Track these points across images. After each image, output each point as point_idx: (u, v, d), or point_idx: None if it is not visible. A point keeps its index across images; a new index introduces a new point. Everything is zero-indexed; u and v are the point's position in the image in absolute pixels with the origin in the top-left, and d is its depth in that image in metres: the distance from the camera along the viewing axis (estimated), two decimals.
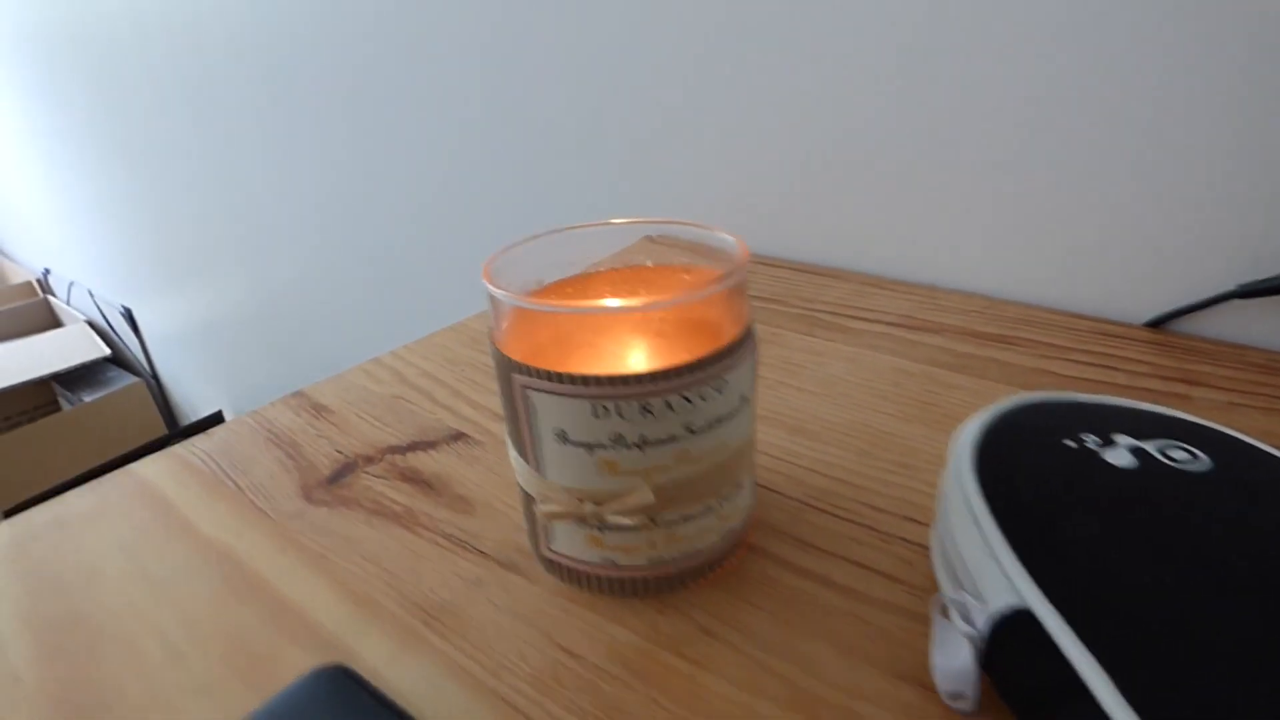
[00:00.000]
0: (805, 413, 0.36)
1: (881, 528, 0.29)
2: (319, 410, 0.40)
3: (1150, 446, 0.24)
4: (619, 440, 0.23)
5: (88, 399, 1.89)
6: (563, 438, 0.24)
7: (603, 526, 0.25)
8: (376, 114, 0.87)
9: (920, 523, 0.29)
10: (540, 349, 0.24)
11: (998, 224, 0.46)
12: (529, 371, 0.23)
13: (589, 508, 0.24)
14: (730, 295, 0.24)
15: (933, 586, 0.26)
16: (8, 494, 1.57)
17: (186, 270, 1.55)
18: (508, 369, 0.24)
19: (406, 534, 0.30)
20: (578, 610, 0.26)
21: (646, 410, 0.23)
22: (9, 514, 1.41)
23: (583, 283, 0.29)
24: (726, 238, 0.26)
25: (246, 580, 0.28)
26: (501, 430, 0.37)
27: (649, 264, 0.30)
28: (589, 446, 0.24)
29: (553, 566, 0.27)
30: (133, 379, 1.98)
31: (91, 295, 2.18)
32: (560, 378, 0.23)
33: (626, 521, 0.24)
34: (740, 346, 0.24)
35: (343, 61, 0.87)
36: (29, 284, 2.58)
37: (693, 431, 0.24)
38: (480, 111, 0.75)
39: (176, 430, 1.65)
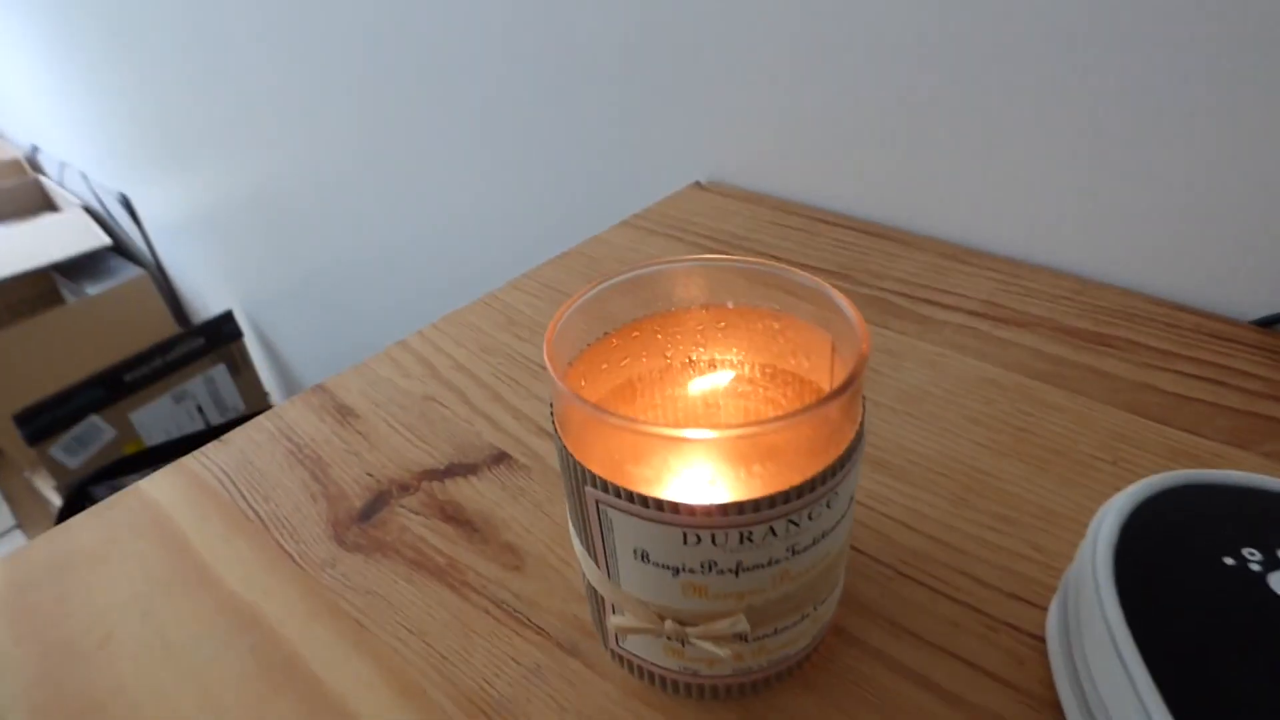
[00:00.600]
0: (889, 440, 0.32)
1: (985, 609, 0.26)
2: (344, 414, 0.37)
3: None
4: (711, 566, 0.20)
5: (91, 291, 1.85)
6: (644, 558, 0.20)
7: (685, 642, 0.22)
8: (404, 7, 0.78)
9: (1030, 603, 0.26)
10: (613, 463, 0.20)
11: (1095, 194, 0.41)
12: (606, 487, 0.19)
13: (670, 626, 0.21)
14: (848, 403, 0.20)
15: (1049, 694, 0.23)
16: (15, 395, 1.55)
17: (188, 157, 1.46)
18: (579, 478, 0.20)
19: (453, 597, 0.27)
20: (651, 715, 0.23)
21: (747, 539, 0.19)
22: (19, 419, 1.40)
23: (656, 329, 0.24)
24: (844, 305, 0.22)
25: (279, 656, 0.26)
26: (548, 450, 0.34)
27: (730, 305, 0.25)
28: (674, 570, 0.20)
29: (622, 661, 0.24)
30: (137, 270, 1.93)
31: (86, 179, 2.09)
32: (645, 501, 0.19)
33: (716, 651, 0.21)
34: (854, 452, 0.20)
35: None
36: (16, 161, 2.46)
37: (796, 553, 0.20)
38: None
39: (190, 328, 1.61)
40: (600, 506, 0.20)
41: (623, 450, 0.20)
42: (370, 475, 0.33)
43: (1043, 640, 0.25)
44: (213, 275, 1.75)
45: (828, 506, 0.20)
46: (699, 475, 0.20)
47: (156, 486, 0.33)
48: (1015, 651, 0.24)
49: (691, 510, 0.19)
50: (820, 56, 0.48)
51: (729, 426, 0.18)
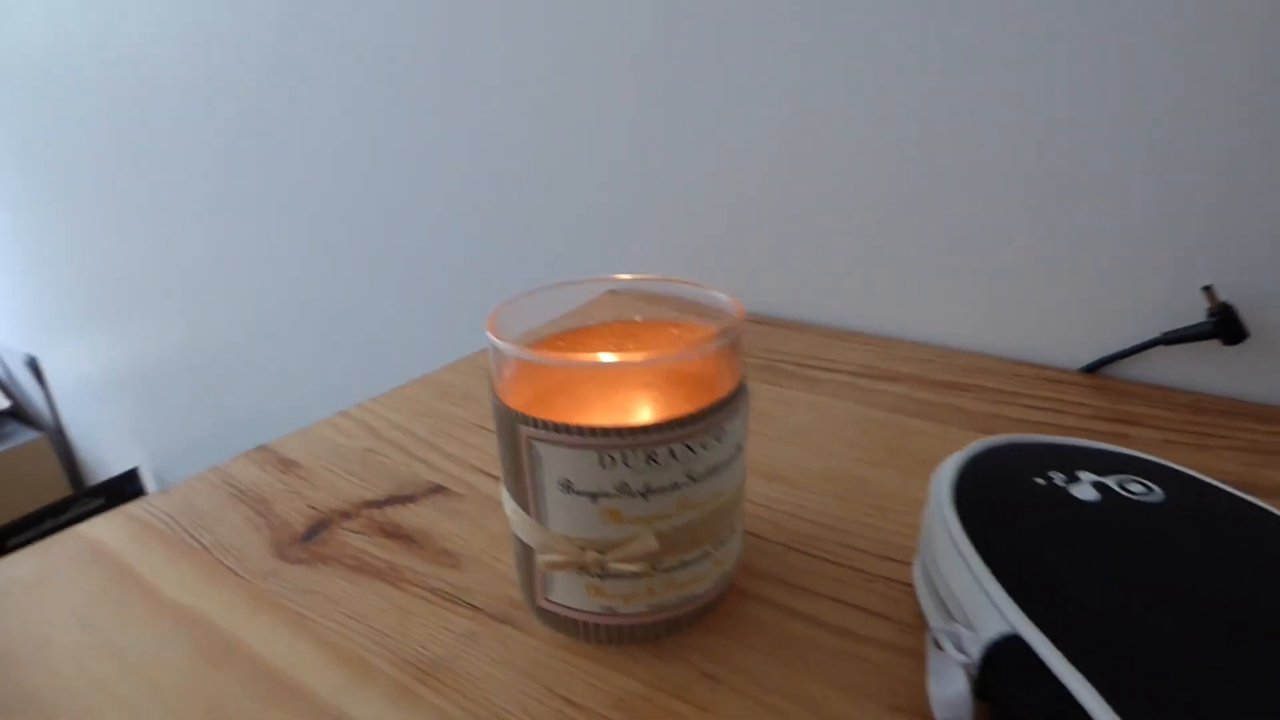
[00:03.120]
0: (780, 461, 0.37)
1: (864, 567, 0.30)
2: (286, 465, 0.39)
3: (1110, 481, 0.26)
4: (624, 489, 0.24)
5: None
6: (567, 487, 0.24)
7: (604, 574, 0.25)
8: (320, 151, 0.87)
9: (900, 561, 0.30)
10: (543, 400, 0.25)
11: (947, 281, 0.49)
12: (536, 423, 0.24)
13: (591, 556, 0.25)
14: (729, 350, 0.25)
15: (919, 622, 0.27)
16: None
17: (103, 317, 1.47)
18: (512, 420, 0.24)
19: (391, 590, 0.30)
20: (577, 660, 0.26)
21: (652, 459, 0.24)
22: None
23: (577, 337, 0.29)
24: (719, 296, 0.28)
25: (222, 644, 0.27)
26: (483, 482, 0.37)
27: (639, 319, 0.31)
28: (593, 495, 0.24)
29: (549, 618, 0.27)
30: (34, 433, 1.85)
31: None
32: (569, 429, 0.23)
33: (630, 569, 0.24)
34: (737, 398, 0.25)
35: (279, 95, 0.86)
36: None
37: (694, 479, 0.24)
38: (437, 156, 0.76)
39: (84, 489, 1.54)
40: (530, 443, 0.24)
41: (548, 391, 0.24)
42: (312, 508, 0.35)
43: (911, 586, 0.29)
44: (118, 434, 1.70)
45: (717, 441, 0.25)
46: (611, 406, 0.24)
47: (94, 528, 0.35)
48: (889, 594, 0.28)
49: (605, 431, 0.23)
50: (713, 185, 0.57)
51: (630, 355, 0.23)
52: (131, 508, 0.36)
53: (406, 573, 0.31)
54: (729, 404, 0.25)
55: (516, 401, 0.25)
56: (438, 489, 0.36)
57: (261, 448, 0.41)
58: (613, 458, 0.23)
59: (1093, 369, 0.45)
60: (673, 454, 0.24)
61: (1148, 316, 0.43)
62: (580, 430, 0.23)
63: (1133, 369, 0.44)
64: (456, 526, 0.33)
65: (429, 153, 0.75)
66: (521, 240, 0.72)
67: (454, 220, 0.77)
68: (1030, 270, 0.46)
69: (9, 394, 2.02)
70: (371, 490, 0.37)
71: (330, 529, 0.34)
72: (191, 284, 1.19)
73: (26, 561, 0.32)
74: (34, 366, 1.89)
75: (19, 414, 2.03)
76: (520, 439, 0.24)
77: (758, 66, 0.52)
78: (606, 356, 0.23)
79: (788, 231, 0.55)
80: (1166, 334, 0.41)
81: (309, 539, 0.33)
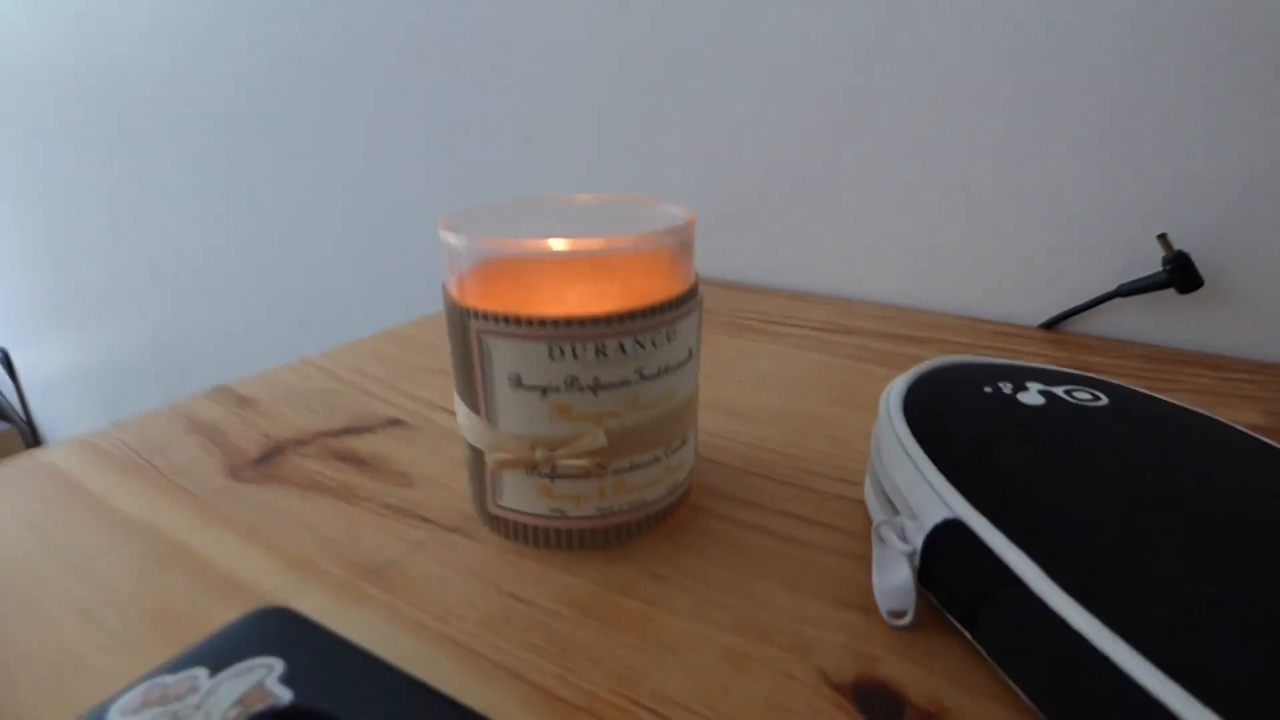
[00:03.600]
0: (740, 401, 0.38)
1: (818, 488, 0.30)
2: (243, 402, 0.39)
3: (1058, 390, 0.26)
4: (573, 383, 0.24)
5: None
6: (516, 382, 0.24)
7: (554, 474, 0.25)
8: (285, 135, 0.86)
9: (854, 483, 0.30)
10: (496, 297, 0.25)
11: (905, 242, 0.50)
12: (486, 317, 0.24)
13: (541, 454, 0.25)
14: (679, 251, 0.25)
15: (868, 533, 0.27)
16: None
17: (75, 312, 1.45)
18: (464, 317, 0.24)
19: (343, 505, 0.29)
20: (525, 563, 0.26)
21: (601, 352, 0.24)
22: None
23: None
24: (673, 209, 0.28)
25: (170, 548, 0.27)
26: (441, 417, 0.37)
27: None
28: (543, 390, 0.24)
29: (499, 524, 0.27)
30: (4, 426, 1.82)
31: None
32: (518, 321, 0.23)
33: (579, 463, 0.24)
34: (689, 299, 0.25)
35: (244, 94, 0.86)
36: None
37: (644, 377, 0.25)
38: (387, 124, 0.76)
39: None
40: (481, 339, 0.24)
41: (500, 289, 0.25)
42: (267, 436, 0.35)
43: (863, 503, 0.29)
44: (89, 428, 1.67)
45: (668, 340, 0.25)
46: (562, 304, 0.24)
47: (47, 453, 0.34)
48: (841, 510, 0.28)
49: (555, 322, 0.23)
50: (682, 162, 0.58)
51: (579, 242, 0.23)
52: (86, 436, 0.36)
53: (360, 490, 0.30)
54: (681, 303, 0.25)
55: (469, 299, 0.25)
56: (395, 422, 0.36)
57: (220, 387, 0.41)
58: (562, 350, 0.24)
59: (1051, 325, 0.45)
60: (622, 348, 0.24)
61: (1104, 272, 0.44)
62: (530, 321, 0.23)
63: (1090, 324, 0.45)
64: (412, 452, 0.33)
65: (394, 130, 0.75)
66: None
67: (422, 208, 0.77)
68: (986, 229, 0.47)
69: None
70: (328, 423, 0.36)
71: (285, 454, 0.33)
72: (163, 281, 1.18)
73: None
74: (5, 360, 1.86)
75: None
76: (471, 335, 0.24)
77: (721, 39, 0.52)
78: (556, 243, 0.23)
79: (749, 198, 0.55)
80: (1122, 286, 0.42)
81: (263, 462, 0.33)
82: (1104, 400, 0.25)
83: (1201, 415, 0.25)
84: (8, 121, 1.32)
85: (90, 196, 1.23)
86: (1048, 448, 0.23)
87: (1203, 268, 0.41)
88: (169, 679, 0.18)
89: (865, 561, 0.25)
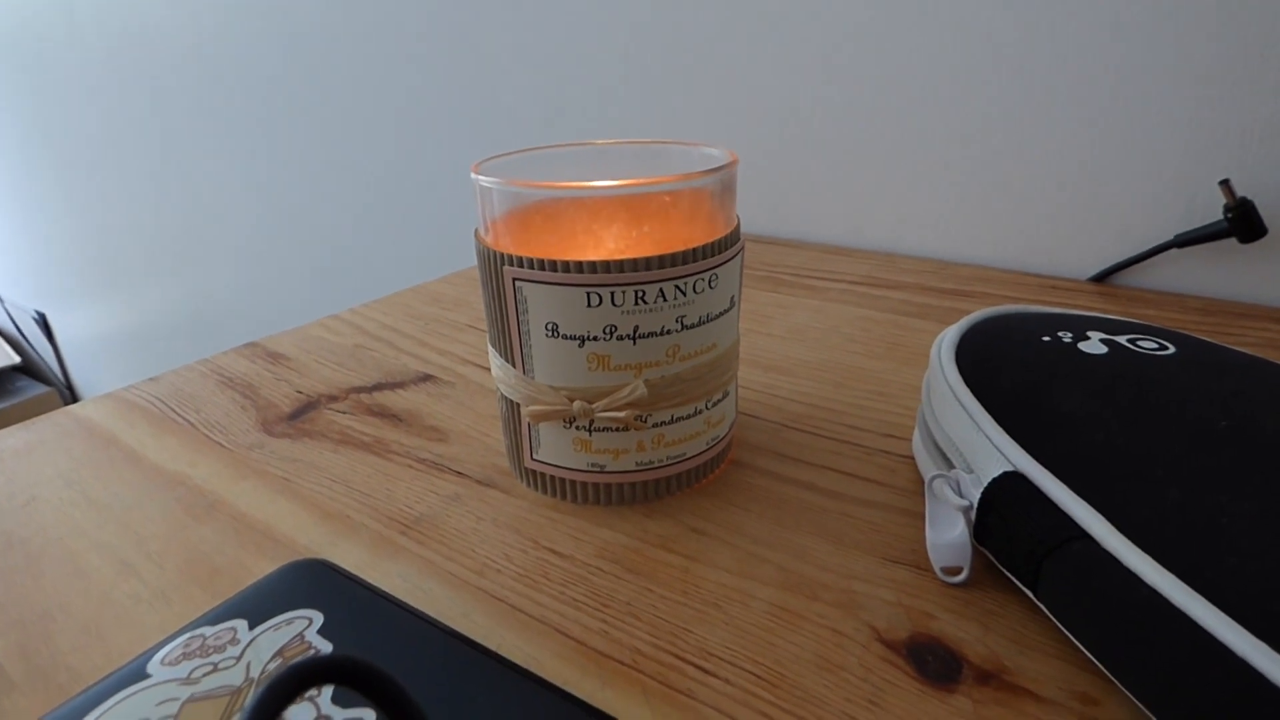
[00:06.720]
0: (778, 354, 0.36)
1: (863, 443, 0.29)
2: (275, 358, 0.38)
3: (1120, 339, 0.25)
4: (611, 331, 0.23)
5: None
6: (553, 331, 0.23)
7: (592, 428, 0.24)
8: (318, 97, 0.85)
9: (900, 438, 0.29)
10: (531, 243, 0.24)
11: (948, 193, 0.48)
12: (520, 263, 0.23)
13: (579, 405, 0.24)
14: (721, 193, 0.24)
15: (917, 489, 0.26)
16: None
17: (110, 274, 1.47)
18: (498, 264, 0.23)
19: (377, 459, 0.29)
20: (562, 518, 0.25)
21: (641, 299, 0.23)
22: None
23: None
24: (713, 151, 0.27)
25: (204, 501, 0.27)
26: (473, 373, 0.36)
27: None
28: (580, 340, 0.23)
29: (536, 479, 0.26)
30: (44, 388, 1.86)
31: None
32: (554, 265, 0.22)
33: (618, 415, 0.24)
34: (732, 242, 0.24)
35: (278, 56, 0.85)
36: None
37: (685, 326, 0.24)
38: (421, 89, 0.74)
39: None
40: (516, 285, 0.23)
41: (535, 233, 0.24)
42: (300, 392, 0.35)
43: (911, 459, 0.28)
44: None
45: (710, 287, 0.24)
46: (599, 241, 0.23)
47: (83, 408, 0.34)
48: (888, 465, 0.27)
49: (593, 266, 0.22)
50: (719, 112, 0.56)
51: (617, 182, 0.22)
52: (119, 391, 0.36)
53: (393, 445, 0.30)
54: (723, 247, 0.24)
55: (503, 245, 0.24)
56: (427, 377, 0.36)
57: (251, 343, 0.40)
58: (600, 296, 0.23)
59: (1102, 278, 0.44)
60: (663, 295, 0.23)
61: (1160, 221, 0.42)
62: (566, 266, 0.22)
63: (1144, 276, 0.43)
64: (445, 408, 0.33)
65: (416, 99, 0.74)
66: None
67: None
68: (1035, 177, 0.45)
69: (19, 350, 2.03)
70: (360, 379, 0.36)
71: (317, 409, 0.33)
72: (197, 243, 1.18)
73: (18, 434, 0.32)
74: (43, 323, 1.89)
75: (29, 369, 2.04)
76: (505, 282, 0.23)
77: None
78: (593, 184, 0.22)
79: (783, 150, 0.54)
80: (1180, 235, 0.40)
81: (296, 418, 0.32)
82: (1171, 349, 0.24)
83: (1275, 365, 0.24)
84: (44, 84, 1.32)
85: (125, 160, 1.24)
86: (1113, 396, 0.21)
87: (1267, 216, 0.38)
88: (209, 630, 0.18)
89: (913, 517, 0.25)
